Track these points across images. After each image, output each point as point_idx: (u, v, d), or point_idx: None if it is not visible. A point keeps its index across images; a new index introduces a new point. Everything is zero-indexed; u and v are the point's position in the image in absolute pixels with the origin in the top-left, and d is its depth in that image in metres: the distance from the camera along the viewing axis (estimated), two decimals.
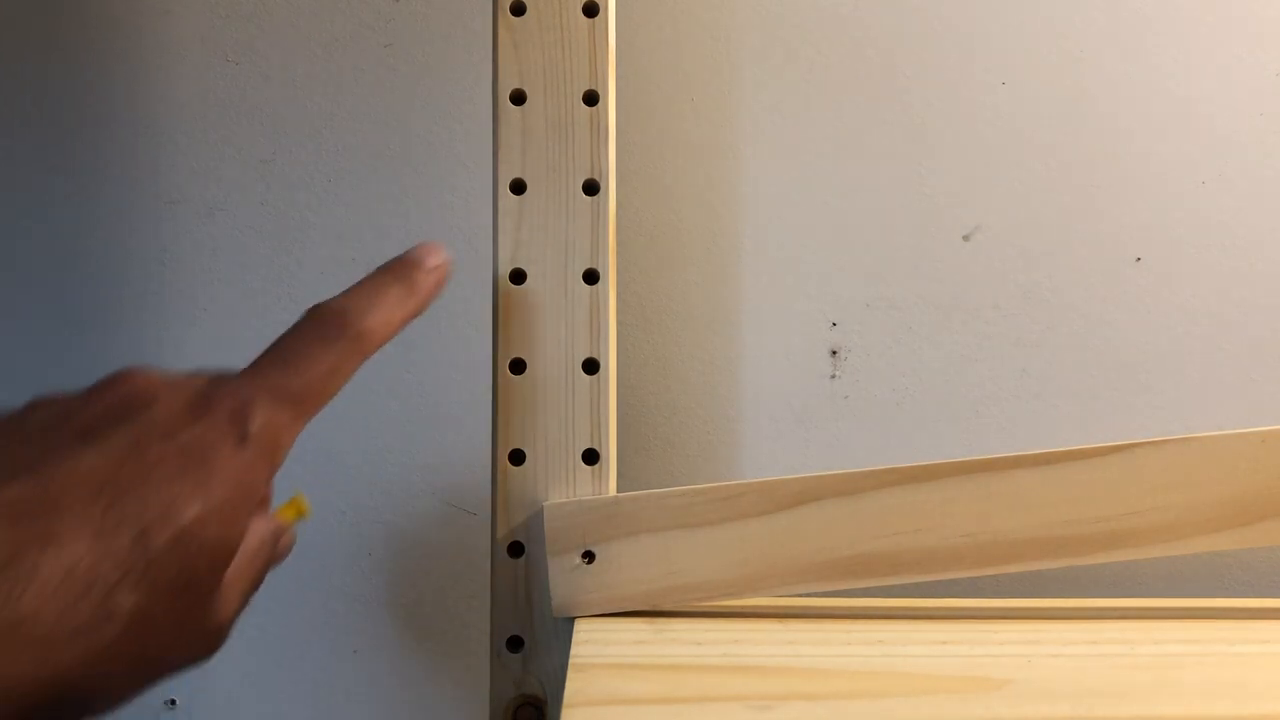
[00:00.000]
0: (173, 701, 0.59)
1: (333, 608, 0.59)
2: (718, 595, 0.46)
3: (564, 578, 0.46)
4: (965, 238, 0.57)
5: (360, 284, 0.39)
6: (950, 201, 0.57)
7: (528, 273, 0.47)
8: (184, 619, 0.32)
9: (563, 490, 0.47)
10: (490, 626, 0.48)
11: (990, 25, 0.57)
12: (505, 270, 0.47)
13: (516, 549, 0.48)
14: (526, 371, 0.47)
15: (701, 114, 0.57)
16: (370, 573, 0.59)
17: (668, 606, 0.47)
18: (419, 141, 0.57)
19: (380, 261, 0.58)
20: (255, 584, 0.36)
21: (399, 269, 0.39)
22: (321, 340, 0.36)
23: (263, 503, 0.35)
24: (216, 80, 0.57)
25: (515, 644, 0.48)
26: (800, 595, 0.47)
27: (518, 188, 0.47)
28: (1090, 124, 0.57)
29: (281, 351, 0.36)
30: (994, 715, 0.37)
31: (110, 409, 0.33)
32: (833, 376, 0.58)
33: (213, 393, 0.34)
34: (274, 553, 0.37)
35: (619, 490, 0.48)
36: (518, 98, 0.47)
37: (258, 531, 0.35)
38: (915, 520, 0.45)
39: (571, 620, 0.46)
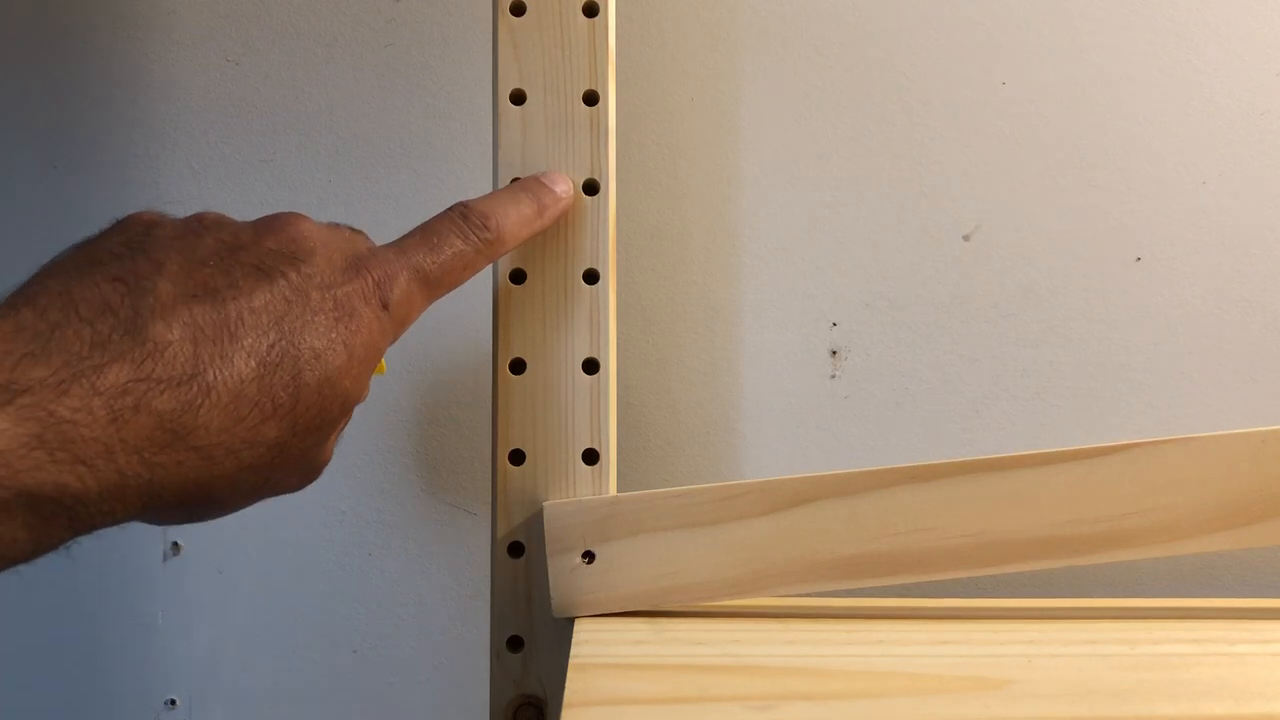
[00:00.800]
0: (173, 701, 0.59)
1: (333, 608, 0.59)
2: (718, 595, 0.46)
3: (564, 578, 0.46)
4: (965, 238, 0.57)
5: (499, 193, 0.43)
6: (950, 201, 0.57)
7: (528, 273, 0.47)
8: (305, 455, 0.35)
9: (563, 490, 0.47)
10: (490, 626, 0.48)
11: (990, 25, 0.57)
12: (505, 270, 0.47)
13: (516, 549, 0.48)
14: (526, 371, 0.47)
15: (701, 114, 0.57)
16: (370, 573, 0.59)
17: (668, 606, 0.47)
18: (419, 141, 0.57)
19: None
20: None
21: (534, 187, 0.44)
22: (462, 234, 0.40)
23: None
24: (216, 80, 0.57)
25: (515, 644, 0.48)
26: (800, 595, 0.47)
27: None
28: (1090, 124, 0.57)
29: (428, 235, 0.39)
30: (994, 715, 0.37)
31: (279, 250, 0.36)
32: (833, 376, 0.58)
33: (366, 257, 0.37)
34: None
35: (619, 490, 0.48)
36: (518, 98, 0.47)
37: None
38: (915, 520, 0.45)
39: (571, 620, 0.46)
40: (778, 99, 0.57)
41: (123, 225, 0.36)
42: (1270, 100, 0.57)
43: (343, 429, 0.37)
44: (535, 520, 0.47)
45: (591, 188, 0.47)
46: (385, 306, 0.37)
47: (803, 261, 0.57)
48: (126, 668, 0.59)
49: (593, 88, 0.47)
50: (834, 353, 0.58)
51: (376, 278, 0.37)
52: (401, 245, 0.39)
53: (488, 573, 0.48)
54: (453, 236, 0.40)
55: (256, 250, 0.35)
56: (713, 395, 0.58)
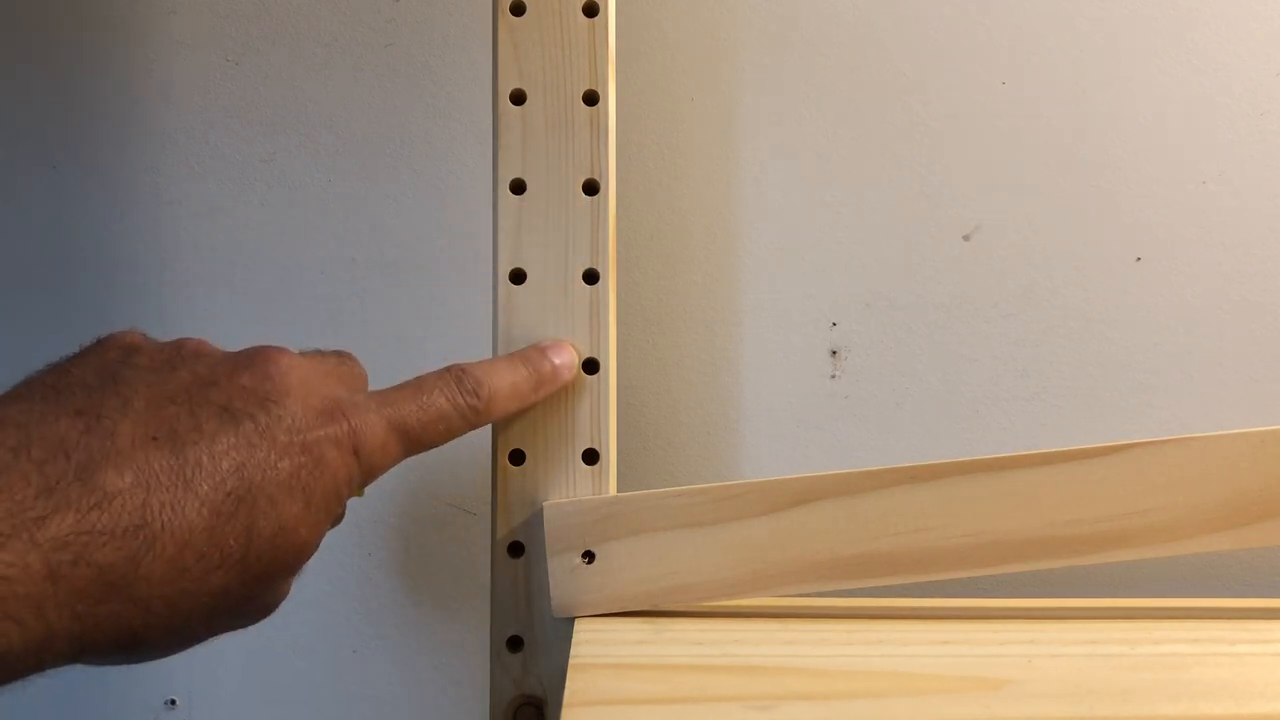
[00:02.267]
0: (173, 701, 0.59)
1: (333, 608, 0.59)
2: (718, 595, 0.46)
3: (564, 578, 0.46)
4: (965, 238, 0.57)
5: (497, 361, 0.44)
6: (950, 201, 0.57)
7: (528, 273, 0.47)
8: (253, 600, 0.34)
9: (563, 490, 0.47)
10: (490, 626, 0.48)
11: (990, 25, 0.57)
12: (505, 270, 0.47)
13: (516, 549, 0.48)
14: None
15: (701, 114, 0.57)
16: (370, 573, 0.59)
17: (668, 606, 0.47)
18: (419, 141, 0.57)
19: (379, 261, 0.58)
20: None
21: (535, 359, 0.44)
22: (451, 398, 0.40)
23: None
24: (216, 80, 0.57)
25: (515, 644, 0.48)
26: (800, 595, 0.47)
27: (518, 188, 0.47)
28: (1090, 124, 0.57)
29: (417, 391, 0.39)
30: (994, 715, 0.37)
31: (252, 389, 0.35)
32: (833, 376, 0.58)
33: (346, 403, 0.37)
34: None
35: (619, 490, 0.48)
36: (518, 98, 0.47)
37: None
38: (915, 520, 0.45)
39: (571, 620, 0.46)
40: (778, 99, 0.57)
41: (101, 347, 0.35)
42: (1270, 100, 0.57)
43: (299, 570, 0.36)
44: (535, 520, 0.47)
45: (591, 188, 0.47)
46: (356, 454, 0.36)
47: (803, 261, 0.57)
48: (127, 668, 0.59)
49: (593, 88, 0.47)
50: (834, 353, 0.58)
51: (354, 424, 0.36)
52: (388, 395, 0.38)
53: (488, 573, 0.48)
54: (441, 398, 0.39)
55: (228, 388, 0.34)
56: (713, 395, 0.58)
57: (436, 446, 0.40)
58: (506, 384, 0.42)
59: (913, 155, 0.57)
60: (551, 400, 0.47)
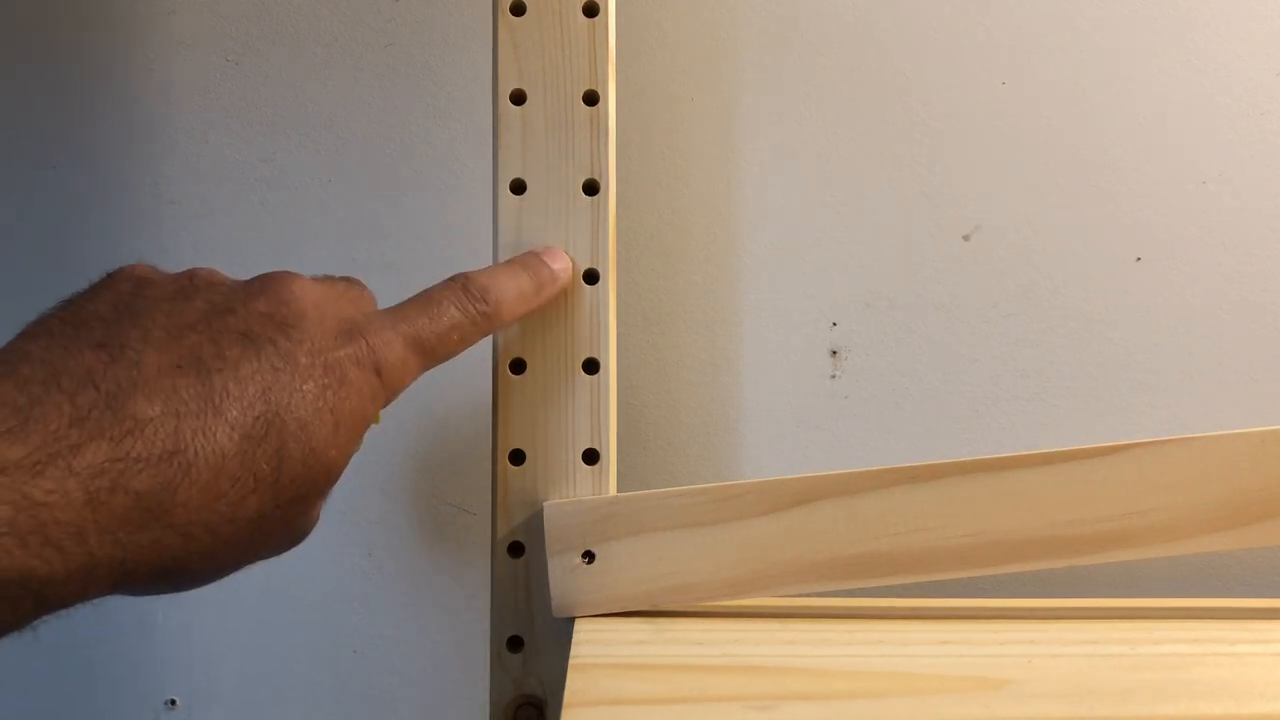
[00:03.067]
0: (173, 701, 0.59)
1: (333, 608, 0.59)
2: (718, 595, 0.46)
3: (564, 578, 0.46)
4: (965, 238, 0.57)
5: (498, 268, 0.43)
6: (950, 201, 0.57)
7: None
8: (288, 524, 0.34)
9: (563, 490, 0.47)
10: (490, 626, 0.48)
11: (990, 25, 0.57)
12: None
13: (516, 549, 0.48)
14: (526, 371, 0.47)
15: (701, 114, 0.57)
16: (370, 573, 0.59)
17: (668, 606, 0.47)
18: (419, 141, 0.57)
19: (380, 262, 0.58)
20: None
21: (534, 264, 0.44)
22: (461, 306, 0.40)
23: None
24: (216, 80, 0.57)
25: (515, 644, 0.48)
26: (800, 595, 0.47)
27: (518, 188, 0.47)
28: (1090, 124, 0.57)
29: (427, 304, 0.39)
30: (994, 715, 0.37)
31: (268, 314, 0.35)
32: (833, 376, 0.58)
33: (362, 322, 0.37)
34: None
35: (619, 490, 0.48)
36: (518, 98, 0.47)
37: None
38: (915, 520, 0.45)
39: (571, 620, 0.46)
40: (778, 99, 0.57)
41: (113, 281, 0.35)
42: (1270, 100, 0.57)
43: (328, 493, 0.37)
44: (535, 520, 0.47)
45: (591, 188, 0.47)
46: (378, 372, 0.36)
47: (803, 261, 0.57)
48: (126, 668, 0.59)
49: (593, 88, 0.47)
50: (834, 353, 0.58)
51: (372, 343, 0.36)
52: (399, 311, 0.38)
53: (488, 573, 0.48)
54: (451, 307, 0.39)
55: (246, 314, 0.34)
56: (713, 395, 0.58)
57: (452, 357, 0.40)
58: (512, 289, 0.42)
59: (913, 155, 0.57)
60: (552, 400, 0.47)
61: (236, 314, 0.34)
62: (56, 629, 0.62)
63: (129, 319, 0.33)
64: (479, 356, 0.57)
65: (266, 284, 0.36)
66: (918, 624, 0.46)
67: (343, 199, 0.57)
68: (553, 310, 0.47)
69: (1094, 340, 0.57)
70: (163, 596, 0.59)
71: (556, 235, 0.47)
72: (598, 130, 0.47)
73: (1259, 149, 0.57)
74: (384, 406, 0.37)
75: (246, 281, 0.36)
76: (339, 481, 0.36)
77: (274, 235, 0.57)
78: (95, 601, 0.31)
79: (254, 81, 0.57)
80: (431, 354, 0.39)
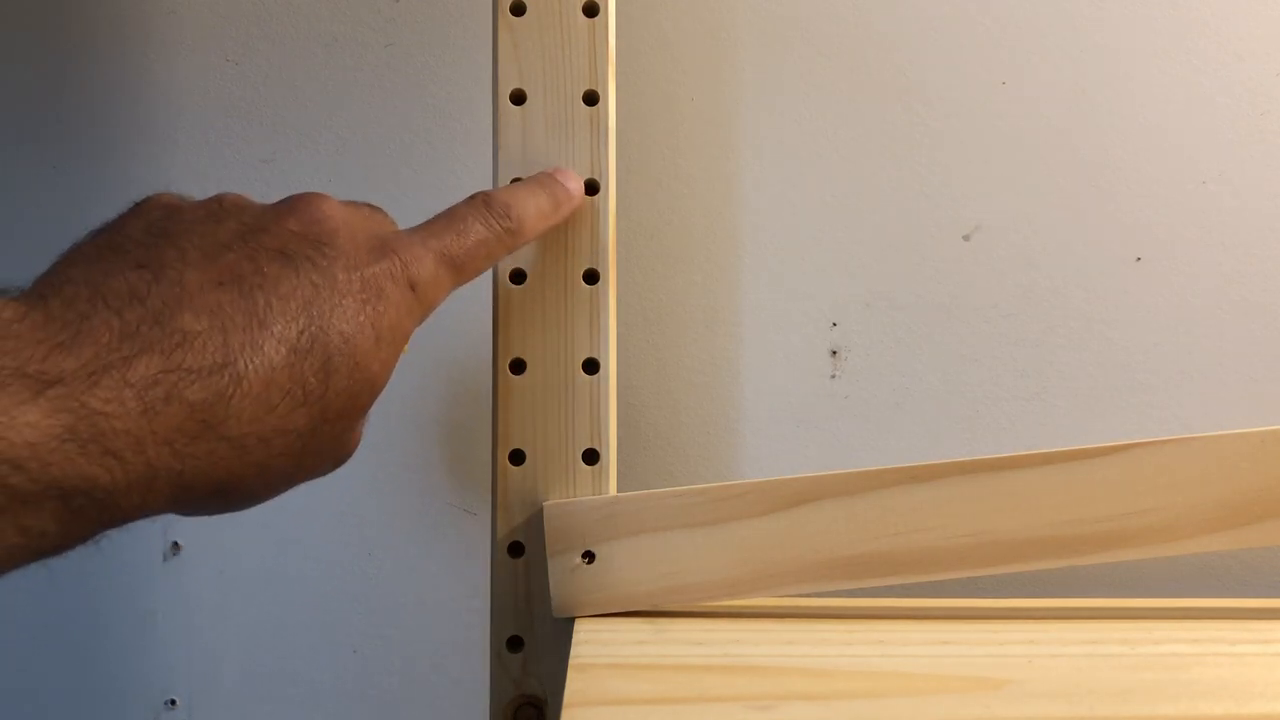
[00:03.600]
0: (173, 701, 0.59)
1: (333, 608, 0.59)
2: (718, 595, 0.46)
3: (564, 578, 0.46)
4: (965, 238, 0.57)
5: (518, 186, 0.44)
6: (950, 201, 0.57)
7: (528, 273, 0.47)
8: (336, 440, 0.35)
9: (563, 490, 0.47)
10: (490, 626, 0.48)
11: (990, 25, 0.57)
12: (505, 270, 0.47)
13: (516, 549, 0.48)
14: (526, 371, 0.47)
15: (701, 114, 0.57)
16: (370, 573, 0.59)
17: (668, 606, 0.47)
18: (419, 141, 0.57)
19: None
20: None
21: (549, 183, 0.45)
22: (486, 222, 0.40)
23: None
24: (216, 80, 0.57)
25: (515, 644, 0.48)
26: (800, 595, 0.47)
27: None
28: (1090, 124, 0.57)
29: (453, 221, 0.39)
30: (994, 715, 0.37)
31: (301, 233, 0.35)
32: (833, 376, 0.58)
33: (392, 239, 0.37)
34: None
35: (619, 490, 0.48)
36: (518, 98, 0.47)
37: None
38: (915, 520, 0.45)
39: (571, 620, 0.46)
40: (778, 99, 0.57)
41: (142, 209, 0.35)
42: (1270, 100, 0.57)
43: (369, 411, 0.37)
44: (535, 520, 0.47)
45: (592, 188, 0.47)
46: (413, 287, 0.36)
47: (803, 261, 0.57)
48: (126, 668, 0.59)
49: (593, 88, 0.47)
50: (834, 353, 0.58)
51: (405, 258, 0.36)
52: (428, 228, 0.39)
53: (488, 573, 0.48)
54: (477, 223, 0.40)
55: (279, 233, 0.35)
56: (713, 395, 0.58)
57: (480, 274, 0.40)
58: (532, 206, 0.42)
59: (913, 155, 0.57)
60: (552, 400, 0.47)
61: (269, 233, 0.35)
62: (58, 629, 0.62)
63: (165, 240, 0.33)
64: (479, 356, 0.57)
65: (295, 204, 0.36)
66: (918, 624, 0.46)
67: (343, 199, 0.57)
68: (553, 310, 0.47)
69: (1094, 340, 0.57)
70: (162, 596, 0.59)
71: (556, 235, 0.47)
72: (598, 130, 0.47)
73: (1259, 149, 0.57)
74: (420, 323, 0.38)
75: (276, 203, 0.37)
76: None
77: None
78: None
79: (254, 81, 0.57)
80: (461, 270, 0.39)
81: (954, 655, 0.43)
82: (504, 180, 0.47)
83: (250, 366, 0.31)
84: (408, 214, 0.57)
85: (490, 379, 0.48)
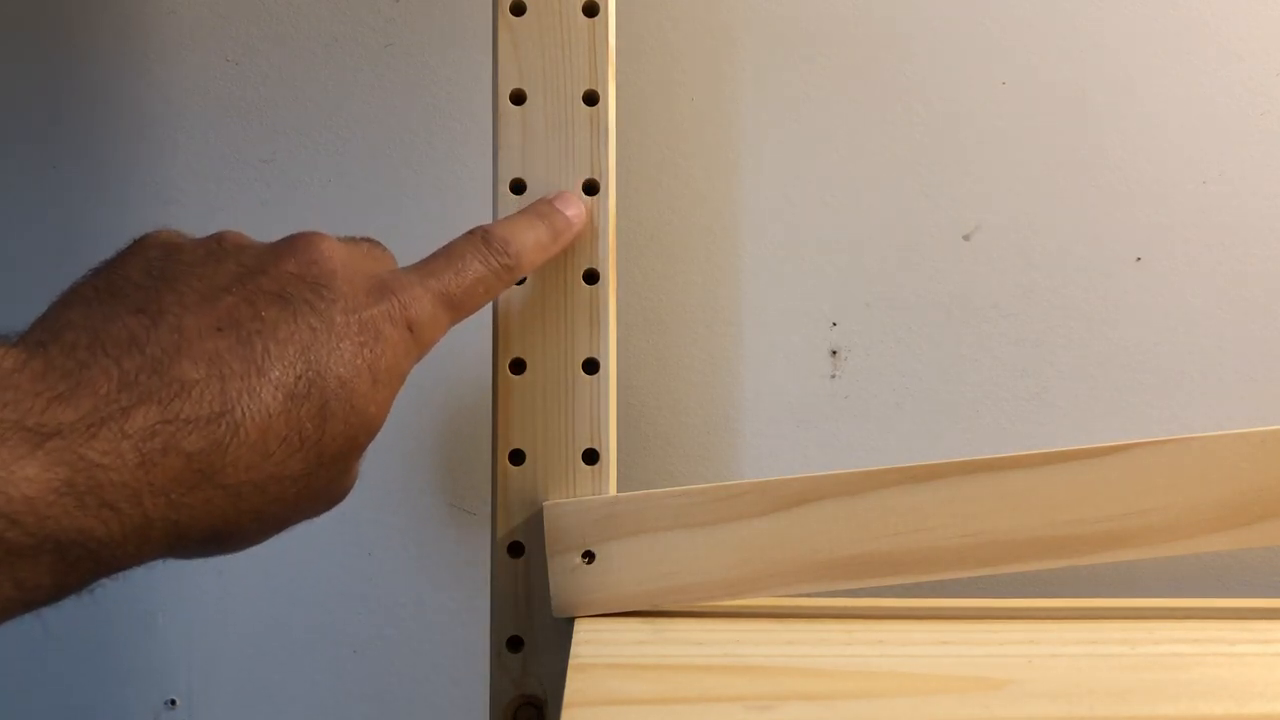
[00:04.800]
0: (173, 701, 0.59)
1: (333, 608, 0.59)
2: (718, 595, 0.46)
3: (564, 578, 0.46)
4: (965, 238, 0.57)
5: (515, 218, 0.44)
6: (950, 201, 0.57)
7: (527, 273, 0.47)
8: (331, 483, 0.35)
9: (563, 490, 0.47)
10: (490, 626, 0.48)
11: (990, 25, 0.57)
12: None
13: (516, 549, 0.48)
14: (526, 371, 0.47)
15: (701, 114, 0.57)
16: (370, 573, 0.59)
17: (668, 606, 0.47)
18: (419, 141, 0.57)
19: None
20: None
21: (548, 213, 0.45)
22: (484, 259, 0.40)
23: None
24: (216, 80, 0.57)
25: (515, 644, 0.48)
26: (800, 595, 0.47)
27: (518, 187, 0.47)
28: (1090, 124, 0.57)
29: (451, 259, 0.39)
30: (994, 715, 0.37)
31: (299, 275, 0.35)
32: (833, 376, 0.58)
33: (390, 280, 0.37)
34: None
35: (619, 490, 0.48)
36: (518, 98, 0.47)
37: None
38: (915, 520, 0.45)
39: (571, 620, 0.46)
40: (778, 99, 0.57)
41: (140, 248, 0.35)
42: (1270, 100, 0.57)
43: (365, 451, 0.37)
44: (535, 520, 0.47)
45: (591, 188, 0.47)
46: (411, 329, 0.37)
47: (803, 261, 0.57)
48: (126, 668, 0.59)
49: (593, 88, 0.47)
50: (834, 353, 0.58)
51: (403, 299, 0.36)
52: (425, 267, 0.39)
53: (488, 573, 0.48)
54: (475, 261, 0.40)
55: (277, 275, 0.35)
56: (713, 395, 0.58)
57: (478, 310, 0.40)
58: (531, 239, 0.43)
59: (913, 155, 0.57)
60: (551, 400, 0.47)
61: (268, 275, 0.35)
62: (58, 629, 0.62)
63: (164, 284, 0.33)
64: (479, 356, 0.57)
65: (294, 244, 0.36)
66: (918, 624, 0.46)
67: (343, 199, 0.57)
68: (553, 310, 0.47)
69: (1094, 340, 0.57)
70: (162, 596, 0.59)
71: None
72: (598, 130, 0.47)
73: (1259, 149, 0.57)
74: (416, 362, 0.38)
75: (275, 243, 0.37)
76: None
77: (274, 235, 0.57)
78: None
79: (254, 81, 0.57)
80: (459, 308, 0.39)
81: (954, 655, 0.43)
82: (504, 180, 0.47)
83: (247, 414, 0.31)
84: (408, 214, 0.58)
85: (490, 379, 0.48)
